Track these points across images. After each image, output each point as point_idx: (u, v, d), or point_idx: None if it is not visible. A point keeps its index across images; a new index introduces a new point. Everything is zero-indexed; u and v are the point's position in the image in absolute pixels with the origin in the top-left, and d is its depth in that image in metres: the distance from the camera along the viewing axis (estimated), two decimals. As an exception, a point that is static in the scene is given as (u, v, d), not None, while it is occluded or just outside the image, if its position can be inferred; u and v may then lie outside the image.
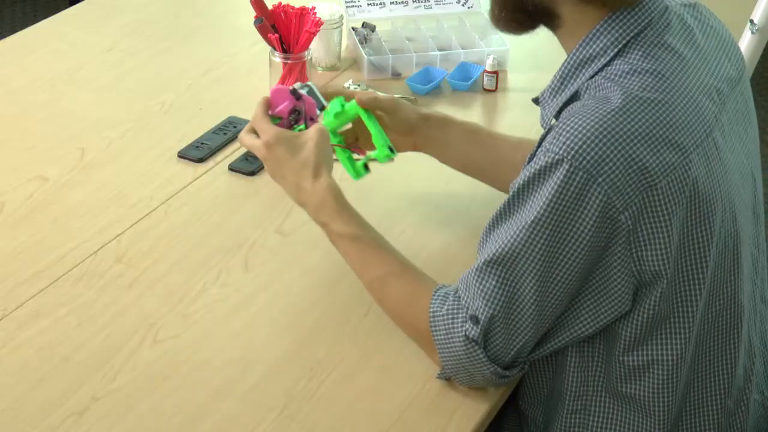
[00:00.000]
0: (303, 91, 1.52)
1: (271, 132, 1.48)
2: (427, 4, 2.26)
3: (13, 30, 2.44)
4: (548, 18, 1.37)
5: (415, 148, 1.65)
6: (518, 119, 2.02)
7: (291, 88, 1.52)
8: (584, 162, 1.24)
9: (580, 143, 1.24)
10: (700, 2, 1.48)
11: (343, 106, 1.55)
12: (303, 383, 1.41)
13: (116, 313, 1.50)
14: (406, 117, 1.61)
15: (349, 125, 1.60)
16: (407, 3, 2.26)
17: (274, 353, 1.45)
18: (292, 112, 1.52)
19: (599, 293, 1.31)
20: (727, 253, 1.36)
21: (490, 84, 2.08)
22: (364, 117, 1.53)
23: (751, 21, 2.18)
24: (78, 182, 1.77)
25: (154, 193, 1.75)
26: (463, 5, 2.28)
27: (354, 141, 1.61)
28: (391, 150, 1.52)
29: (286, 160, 1.47)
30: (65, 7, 2.44)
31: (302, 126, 1.52)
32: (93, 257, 1.61)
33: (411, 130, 1.62)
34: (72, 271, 1.58)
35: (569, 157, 1.24)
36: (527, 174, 1.28)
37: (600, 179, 1.24)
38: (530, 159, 1.32)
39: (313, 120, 1.53)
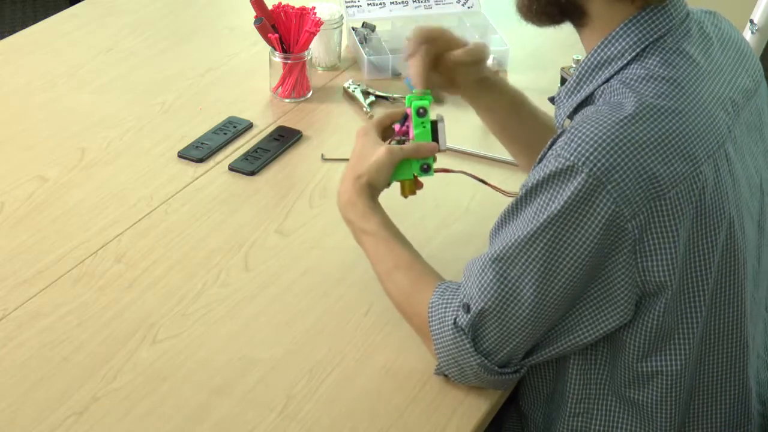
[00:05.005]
0: (441, 123, 1.51)
1: (364, 127, 1.53)
2: (427, 4, 2.26)
3: (13, 30, 2.44)
4: (577, 15, 1.37)
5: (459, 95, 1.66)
6: (518, 119, 2.02)
7: (405, 114, 1.53)
8: (594, 169, 1.23)
9: (592, 150, 1.24)
10: (719, 12, 1.47)
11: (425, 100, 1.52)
12: (303, 383, 1.41)
13: (116, 313, 1.50)
14: (461, 81, 1.60)
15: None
16: (407, 3, 2.26)
17: (274, 353, 1.45)
18: (400, 135, 1.54)
19: (601, 301, 1.31)
20: (733, 265, 1.35)
21: (490, 84, 2.08)
22: (415, 120, 1.50)
23: (751, 21, 2.18)
24: (78, 182, 1.77)
25: (154, 193, 1.75)
26: (463, 5, 2.28)
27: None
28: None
29: (355, 153, 1.51)
30: (65, 7, 2.44)
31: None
32: (93, 257, 1.61)
33: (460, 90, 1.63)
34: (72, 271, 1.58)
35: (580, 164, 1.24)
36: (537, 176, 1.28)
37: (609, 186, 1.23)
38: (540, 159, 1.32)
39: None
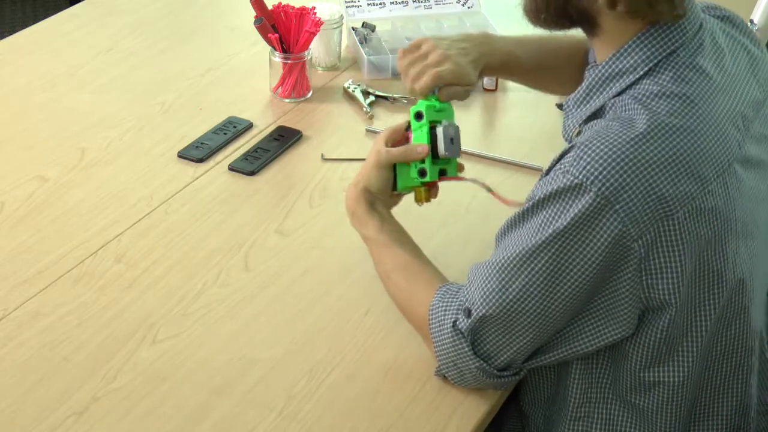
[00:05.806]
0: (440, 126, 1.47)
1: (378, 134, 1.54)
2: (427, 4, 2.26)
3: (13, 30, 2.44)
4: (588, 26, 1.36)
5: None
6: (518, 119, 2.02)
7: (407, 123, 1.51)
8: (603, 189, 1.22)
9: (601, 169, 1.23)
10: (734, 15, 1.45)
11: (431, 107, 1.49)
12: (303, 383, 1.41)
13: (116, 313, 1.50)
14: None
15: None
16: (407, 3, 2.26)
17: (274, 353, 1.45)
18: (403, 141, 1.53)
19: (604, 314, 1.30)
20: (741, 280, 1.34)
21: (490, 84, 2.08)
22: (413, 124, 1.48)
23: (751, 21, 2.18)
24: (78, 182, 1.77)
25: (154, 193, 1.75)
26: (463, 5, 2.28)
27: None
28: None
29: (366, 162, 1.52)
30: (65, 7, 2.44)
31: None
32: (93, 257, 1.61)
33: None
34: (72, 271, 1.58)
35: (588, 183, 1.23)
36: (545, 189, 1.27)
37: (617, 206, 1.23)
38: (548, 171, 1.31)
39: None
